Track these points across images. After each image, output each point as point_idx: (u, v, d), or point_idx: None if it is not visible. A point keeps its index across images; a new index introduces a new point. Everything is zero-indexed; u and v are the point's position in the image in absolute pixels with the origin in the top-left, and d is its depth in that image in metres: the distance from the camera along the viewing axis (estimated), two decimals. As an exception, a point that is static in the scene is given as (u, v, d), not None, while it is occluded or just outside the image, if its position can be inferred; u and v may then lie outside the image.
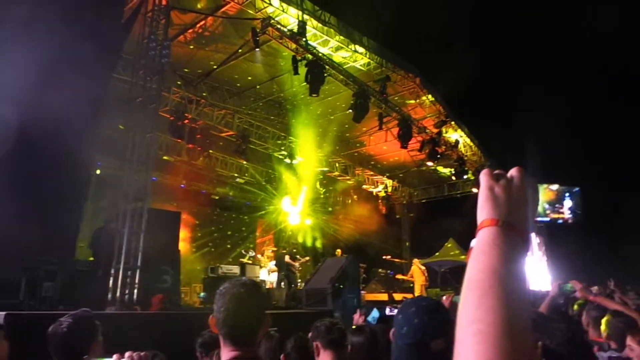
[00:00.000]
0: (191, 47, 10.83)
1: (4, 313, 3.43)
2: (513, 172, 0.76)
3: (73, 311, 2.14)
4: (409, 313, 1.48)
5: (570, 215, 0.87)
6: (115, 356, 1.37)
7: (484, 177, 0.76)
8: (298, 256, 12.30)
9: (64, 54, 5.56)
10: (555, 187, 0.88)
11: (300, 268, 12.29)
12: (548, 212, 0.87)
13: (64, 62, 5.55)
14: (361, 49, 11.54)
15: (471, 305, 0.63)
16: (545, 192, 0.87)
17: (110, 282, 6.73)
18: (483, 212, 0.72)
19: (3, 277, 5.71)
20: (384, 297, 13.33)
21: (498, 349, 0.57)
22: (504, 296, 0.62)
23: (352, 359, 2.67)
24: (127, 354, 1.37)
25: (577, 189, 0.88)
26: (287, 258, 11.66)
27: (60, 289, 6.38)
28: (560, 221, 0.87)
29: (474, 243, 0.71)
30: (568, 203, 0.87)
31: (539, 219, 0.85)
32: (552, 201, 0.87)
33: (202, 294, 11.20)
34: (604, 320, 3.26)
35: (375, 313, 5.06)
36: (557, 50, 17.05)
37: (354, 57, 11.71)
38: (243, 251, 14.43)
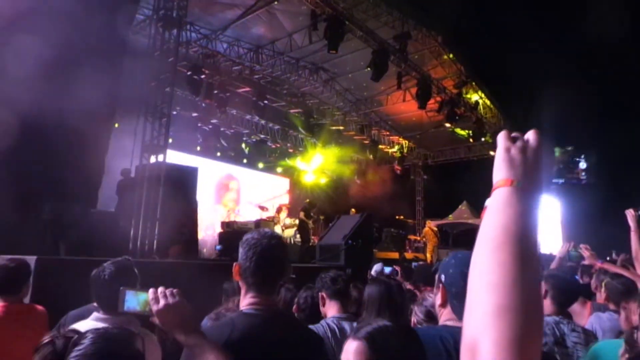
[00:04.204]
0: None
1: (35, 257, 3.62)
2: (530, 134, 0.78)
3: (114, 258, 2.28)
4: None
5: (584, 177, 0.89)
6: (150, 290, 1.47)
7: (501, 138, 0.79)
8: (312, 213, 12.46)
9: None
10: (570, 148, 0.89)
11: (313, 225, 12.49)
12: (563, 173, 0.88)
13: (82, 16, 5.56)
14: (382, 4, 11.19)
15: (484, 259, 0.66)
16: (561, 154, 0.89)
17: (131, 232, 6.97)
18: (499, 172, 0.75)
19: (29, 228, 5.94)
20: (395, 255, 13.55)
21: (508, 299, 0.60)
22: (516, 252, 0.64)
23: (367, 309, 2.77)
24: (160, 289, 1.46)
25: (592, 151, 0.89)
26: (301, 215, 11.84)
27: (83, 237, 6.63)
28: (575, 182, 0.89)
29: (488, 202, 0.74)
30: (583, 165, 0.89)
31: (554, 180, 0.87)
32: (567, 162, 0.88)
33: (218, 247, 11.51)
34: (603, 283, 3.31)
35: (378, 267, 5.22)
36: (581, 17, 16.26)
37: (374, 12, 11.37)
38: (258, 207, 14.67)
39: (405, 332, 1.34)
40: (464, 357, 0.62)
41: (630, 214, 3.36)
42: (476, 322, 0.62)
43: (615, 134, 14.31)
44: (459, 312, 1.59)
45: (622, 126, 14.99)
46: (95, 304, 2.26)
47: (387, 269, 5.29)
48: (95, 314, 2.13)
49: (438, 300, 1.70)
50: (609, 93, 15.16)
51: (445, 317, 1.66)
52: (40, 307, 2.77)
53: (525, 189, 0.72)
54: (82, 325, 2.03)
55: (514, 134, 0.79)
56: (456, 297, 1.61)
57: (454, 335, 1.53)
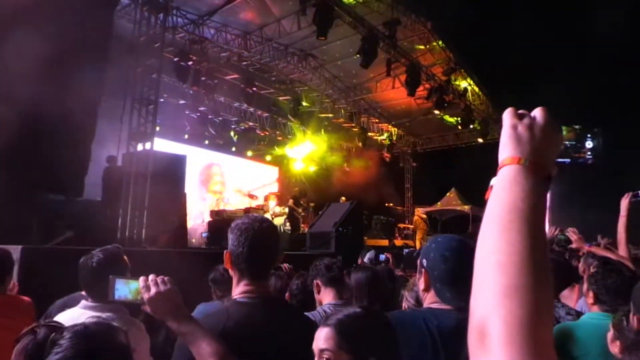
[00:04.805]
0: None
1: (20, 247, 3.55)
2: (537, 111, 0.76)
3: (104, 246, 2.23)
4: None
5: (590, 157, 0.87)
6: (141, 278, 1.44)
7: (507, 115, 0.76)
8: (301, 201, 12.46)
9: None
10: (577, 127, 0.88)
11: (303, 213, 12.49)
12: (570, 151, 0.87)
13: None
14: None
15: (491, 238, 0.64)
16: (568, 132, 0.87)
17: (119, 221, 6.89)
18: (505, 150, 0.72)
19: (14, 218, 5.84)
20: (384, 242, 13.64)
21: (518, 278, 0.58)
22: (524, 230, 0.62)
23: (356, 294, 2.77)
24: (151, 276, 1.43)
25: (600, 130, 0.88)
26: (291, 202, 11.83)
27: (70, 227, 6.54)
28: (581, 161, 0.87)
29: (494, 181, 0.72)
30: (589, 144, 0.87)
31: (560, 159, 0.85)
32: (574, 141, 0.86)
33: (205, 234, 11.46)
34: (591, 267, 3.35)
35: (371, 254, 5.26)
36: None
37: (363, -2, 11.27)
38: (247, 195, 14.62)
39: (374, 317, 1.36)
40: (472, 338, 0.60)
41: (625, 199, 3.40)
42: (485, 302, 0.60)
43: (619, 115, 14.39)
44: (442, 294, 1.62)
45: (625, 107, 15.08)
46: (81, 292, 2.22)
47: (382, 257, 5.32)
48: (83, 302, 2.09)
49: (421, 284, 1.72)
50: (613, 75, 15.18)
51: (429, 300, 1.68)
52: (25, 298, 2.71)
53: (533, 166, 0.70)
54: (70, 315, 2.00)
55: (520, 111, 0.76)
56: (438, 280, 1.63)
57: (438, 317, 1.57)
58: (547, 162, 0.72)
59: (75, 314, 1.99)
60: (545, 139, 0.73)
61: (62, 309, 2.20)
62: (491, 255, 0.62)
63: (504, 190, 0.68)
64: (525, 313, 0.56)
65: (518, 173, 0.69)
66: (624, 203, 3.47)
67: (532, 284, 0.58)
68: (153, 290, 1.41)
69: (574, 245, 4.25)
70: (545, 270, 0.61)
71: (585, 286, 2.45)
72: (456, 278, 1.58)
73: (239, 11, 11.61)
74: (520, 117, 0.75)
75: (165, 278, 1.44)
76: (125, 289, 1.47)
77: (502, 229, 0.64)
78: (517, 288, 0.58)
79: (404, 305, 2.65)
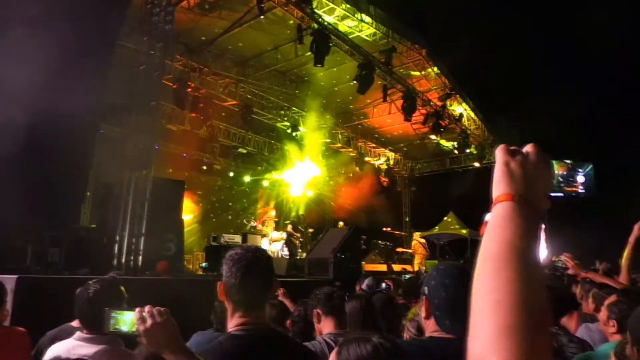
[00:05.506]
0: (195, 12, 10.63)
1: (15, 276, 3.51)
2: (529, 147, 0.78)
3: (100, 276, 2.22)
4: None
5: (582, 190, 0.89)
6: (137, 309, 1.42)
7: (500, 152, 0.78)
8: (300, 227, 12.42)
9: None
10: (568, 161, 0.90)
11: (302, 239, 12.43)
12: (562, 185, 0.89)
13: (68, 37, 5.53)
14: (367, 18, 11.34)
15: (488, 276, 0.64)
16: (559, 166, 0.89)
17: (116, 248, 6.84)
18: (499, 187, 0.74)
19: (10, 244, 5.79)
20: (383, 267, 13.53)
21: (516, 318, 0.58)
22: (521, 268, 0.63)
23: (350, 324, 2.74)
24: (147, 308, 1.42)
25: (589, 164, 0.90)
26: (289, 228, 11.79)
27: (66, 254, 6.49)
28: (574, 194, 0.89)
29: (488, 217, 0.73)
30: (581, 178, 0.89)
31: (553, 194, 0.87)
32: (565, 175, 0.88)
33: (204, 264, 11.33)
34: (591, 293, 3.33)
35: (369, 280, 5.20)
36: (567, 27, 16.68)
37: (359, 26, 11.51)
38: (245, 220, 14.55)
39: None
40: None
41: (638, 225, 3.41)
42: (482, 341, 0.60)
43: (610, 146, 14.57)
44: (441, 323, 1.62)
45: (618, 138, 15.28)
46: (71, 324, 2.20)
47: (383, 285, 5.24)
48: (78, 334, 2.06)
49: (422, 312, 1.71)
50: (604, 104, 15.46)
51: (430, 329, 1.67)
52: (20, 329, 2.66)
53: (527, 203, 0.71)
54: (64, 346, 1.97)
55: (512, 148, 0.78)
56: (438, 309, 1.63)
57: (440, 346, 1.54)
58: (540, 197, 0.73)
59: (70, 346, 1.97)
60: (538, 174, 0.75)
61: (52, 341, 2.16)
62: (488, 294, 0.63)
63: (500, 227, 0.69)
64: (522, 353, 0.56)
65: (513, 210, 0.70)
66: (635, 232, 3.46)
67: (529, 323, 0.58)
68: (149, 321, 1.40)
69: (570, 271, 4.23)
70: (542, 309, 0.61)
71: (604, 314, 2.41)
72: (455, 306, 1.56)
73: (238, 39, 11.82)
74: (512, 154, 0.76)
75: (162, 309, 1.43)
76: (121, 320, 1.46)
77: (499, 267, 0.64)
78: (514, 328, 0.58)
79: (405, 335, 2.62)
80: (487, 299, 0.62)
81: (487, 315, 0.61)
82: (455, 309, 1.57)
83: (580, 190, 0.88)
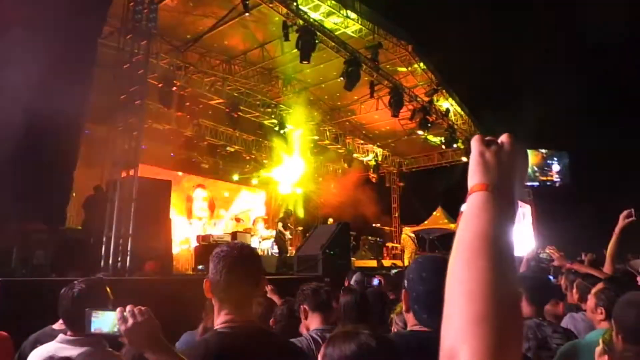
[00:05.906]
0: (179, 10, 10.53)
1: (-2, 279, 3.46)
2: (503, 138, 0.78)
3: (87, 277, 2.18)
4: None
5: (558, 179, 0.89)
6: (118, 309, 1.41)
7: (475, 142, 0.78)
8: (289, 224, 12.40)
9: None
10: (543, 150, 0.90)
11: (291, 236, 12.42)
12: (537, 174, 0.89)
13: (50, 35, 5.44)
14: (353, 15, 11.32)
15: (461, 266, 0.65)
16: (534, 156, 0.89)
17: (103, 249, 6.76)
18: (474, 177, 0.74)
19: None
20: (373, 263, 13.59)
21: (487, 307, 0.58)
22: (494, 258, 0.63)
23: (344, 317, 2.74)
24: (128, 308, 1.40)
25: (565, 152, 0.90)
26: (279, 226, 11.77)
27: (52, 256, 6.41)
28: (549, 184, 0.89)
29: (464, 207, 0.73)
30: (556, 167, 0.89)
31: (528, 183, 0.87)
32: (540, 164, 0.89)
33: (200, 267, 11.20)
34: (575, 284, 3.37)
35: (357, 276, 5.21)
36: (553, 20, 16.87)
37: (345, 22, 11.49)
38: (234, 219, 14.49)
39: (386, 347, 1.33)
40: None
41: (623, 215, 3.44)
42: (455, 331, 0.60)
43: (589, 135, 14.79)
44: (419, 316, 1.60)
45: (596, 127, 15.50)
46: (52, 326, 2.16)
47: (375, 281, 5.25)
48: (61, 336, 2.03)
49: (403, 306, 1.70)
50: (583, 94, 15.69)
51: (411, 322, 1.66)
52: (3, 333, 2.62)
53: (501, 193, 0.71)
54: (46, 349, 1.94)
55: (487, 138, 0.78)
56: (417, 302, 1.61)
57: (419, 339, 1.54)
58: (514, 188, 0.73)
59: (52, 349, 1.94)
60: (513, 164, 0.75)
61: (34, 345, 2.12)
62: (460, 284, 0.63)
63: (473, 217, 0.69)
64: (494, 342, 0.56)
65: (487, 200, 0.70)
66: (620, 223, 3.50)
67: (501, 312, 0.58)
68: (130, 321, 1.38)
69: (556, 263, 4.28)
70: (514, 298, 0.62)
71: (591, 302, 2.43)
72: (433, 299, 1.53)
73: (223, 37, 11.74)
74: (487, 144, 0.77)
75: (143, 308, 1.41)
76: (102, 321, 1.44)
77: (471, 257, 0.64)
78: (486, 317, 0.58)
79: (393, 329, 2.63)
80: (460, 289, 0.62)
81: (460, 305, 0.61)
82: (432, 302, 1.54)
83: (555, 179, 0.88)
